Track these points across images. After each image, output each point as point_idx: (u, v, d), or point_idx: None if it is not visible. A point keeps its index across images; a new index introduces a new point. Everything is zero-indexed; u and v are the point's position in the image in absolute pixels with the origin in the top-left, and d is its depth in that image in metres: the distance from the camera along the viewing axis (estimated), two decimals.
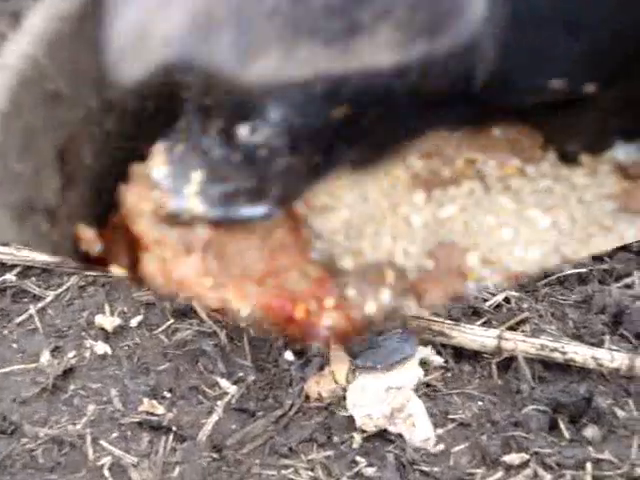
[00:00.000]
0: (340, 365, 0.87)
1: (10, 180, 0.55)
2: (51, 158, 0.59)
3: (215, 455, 0.82)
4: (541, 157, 0.68)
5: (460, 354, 0.92)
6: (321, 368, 0.88)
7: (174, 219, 0.59)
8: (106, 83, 0.56)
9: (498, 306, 0.97)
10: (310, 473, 0.81)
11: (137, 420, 0.86)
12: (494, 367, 0.90)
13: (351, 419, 0.85)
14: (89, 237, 0.61)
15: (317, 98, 0.55)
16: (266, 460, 0.82)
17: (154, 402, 0.87)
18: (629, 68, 0.60)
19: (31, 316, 0.99)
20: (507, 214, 0.65)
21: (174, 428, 0.85)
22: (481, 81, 0.58)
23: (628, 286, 0.98)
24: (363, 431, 0.84)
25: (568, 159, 0.68)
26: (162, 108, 0.59)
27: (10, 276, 1.04)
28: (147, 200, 0.59)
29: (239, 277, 0.59)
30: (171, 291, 0.58)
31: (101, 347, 0.94)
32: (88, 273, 1.04)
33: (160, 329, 0.97)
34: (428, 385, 0.89)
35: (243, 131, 0.57)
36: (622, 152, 0.68)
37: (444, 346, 0.92)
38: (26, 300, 1.03)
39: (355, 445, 0.83)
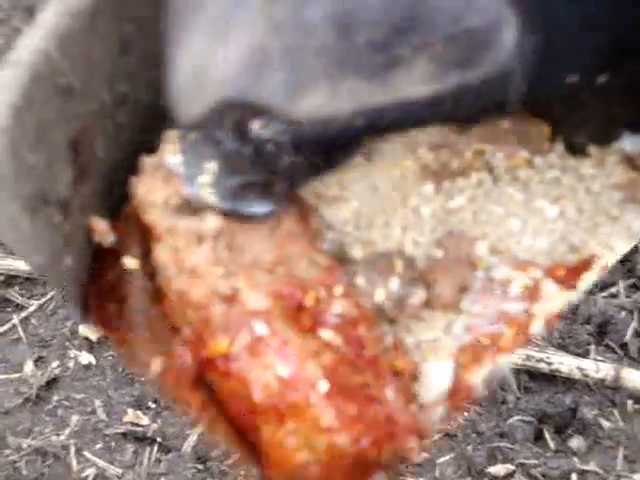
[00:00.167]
0: None
1: (23, 173, 0.56)
2: (64, 151, 0.60)
3: (200, 466, 0.82)
4: (549, 148, 0.69)
5: None
6: None
7: (185, 209, 0.60)
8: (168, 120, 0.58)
9: None
10: None
11: (121, 431, 0.85)
12: None
13: None
14: (102, 228, 0.62)
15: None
16: (251, 471, 0.82)
17: (139, 413, 0.86)
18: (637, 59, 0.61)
19: (14, 325, 0.98)
20: (515, 204, 0.66)
21: (159, 439, 0.84)
22: (512, 102, 0.60)
23: (613, 295, 0.98)
24: None
25: (576, 150, 0.68)
26: None
27: None
28: (158, 190, 0.60)
29: (250, 266, 0.59)
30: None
31: (85, 357, 0.93)
32: None
33: None
34: None
35: (255, 125, 0.58)
36: (629, 143, 0.68)
37: None
38: (9, 309, 1.01)
39: None
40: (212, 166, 0.59)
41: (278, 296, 0.58)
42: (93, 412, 0.87)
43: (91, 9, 0.59)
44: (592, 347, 0.90)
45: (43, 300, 1.01)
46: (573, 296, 0.61)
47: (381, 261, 0.64)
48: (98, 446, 0.84)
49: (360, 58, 0.55)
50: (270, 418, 0.55)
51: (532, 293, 0.62)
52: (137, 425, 0.85)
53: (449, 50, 0.56)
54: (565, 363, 0.87)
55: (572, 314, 0.94)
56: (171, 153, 0.60)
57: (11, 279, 1.03)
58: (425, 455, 0.82)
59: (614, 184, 0.67)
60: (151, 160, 0.61)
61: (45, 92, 0.58)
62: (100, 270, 0.63)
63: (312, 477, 0.55)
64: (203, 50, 0.56)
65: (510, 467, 0.80)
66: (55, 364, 0.93)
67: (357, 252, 0.64)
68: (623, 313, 0.92)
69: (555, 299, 0.61)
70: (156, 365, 0.57)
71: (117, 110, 0.64)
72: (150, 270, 0.60)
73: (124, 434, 0.85)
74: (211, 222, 0.60)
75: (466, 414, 0.85)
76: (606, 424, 0.83)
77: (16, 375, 0.92)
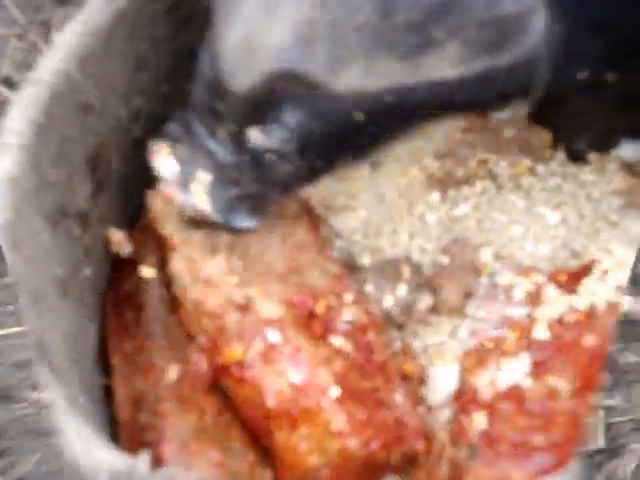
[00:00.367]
0: None
1: (45, 187, 0.58)
2: (83, 165, 0.62)
3: None
4: (550, 156, 0.71)
5: None
6: None
7: (199, 221, 0.62)
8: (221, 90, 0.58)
9: None
10: None
11: None
12: None
13: None
14: (119, 239, 0.64)
15: (347, 104, 0.58)
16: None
17: None
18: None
19: None
20: (518, 211, 0.68)
21: None
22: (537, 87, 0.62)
23: None
24: None
25: (576, 158, 0.70)
26: None
27: None
28: (173, 203, 0.62)
29: (262, 275, 0.61)
30: None
31: None
32: None
33: None
34: None
35: (254, 134, 0.59)
36: (628, 150, 0.70)
37: None
38: None
39: None
40: (205, 175, 0.61)
41: (290, 304, 0.60)
42: None
43: (109, 29, 0.61)
44: None
45: None
46: (574, 300, 0.62)
47: (389, 268, 0.66)
48: None
49: (397, 37, 0.56)
50: (283, 423, 0.57)
51: (534, 298, 0.64)
52: None
53: (482, 34, 0.58)
54: None
55: None
56: (164, 162, 0.61)
57: None
58: None
59: (614, 190, 0.69)
60: None
61: (65, 109, 0.59)
62: (118, 279, 0.65)
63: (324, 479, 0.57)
64: (255, 19, 0.57)
65: None
66: None
67: (366, 259, 0.67)
68: None
69: (556, 303, 0.63)
70: (173, 372, 0.59)
71: (132, 125, 0.66)
72: (166, 279, 0.62)
73: None
74: (224, 233, 0.62)
75: None
76: (632, 358, 0.82)
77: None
